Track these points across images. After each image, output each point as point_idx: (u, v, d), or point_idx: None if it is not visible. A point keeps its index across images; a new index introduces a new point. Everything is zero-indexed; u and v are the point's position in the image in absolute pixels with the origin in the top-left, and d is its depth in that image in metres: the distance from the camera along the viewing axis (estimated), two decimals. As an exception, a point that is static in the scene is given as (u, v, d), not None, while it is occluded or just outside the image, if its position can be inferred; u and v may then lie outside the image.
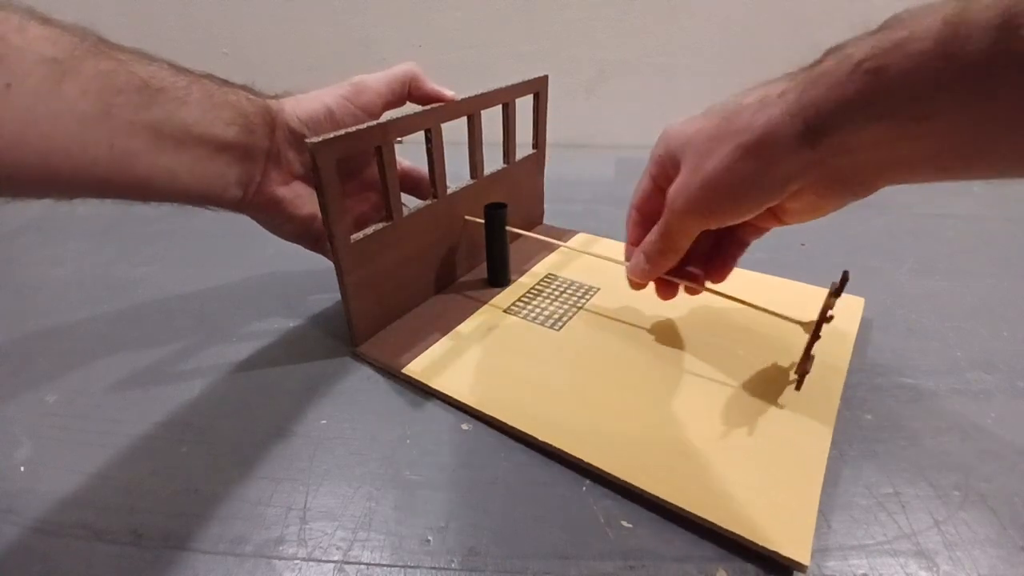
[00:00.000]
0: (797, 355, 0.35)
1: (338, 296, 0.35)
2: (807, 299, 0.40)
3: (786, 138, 0.23)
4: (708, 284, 0.34)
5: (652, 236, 0.30)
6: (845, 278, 0.30)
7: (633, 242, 0.33)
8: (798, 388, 0.31)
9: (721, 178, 0.26)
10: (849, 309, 0.39)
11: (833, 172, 0.24)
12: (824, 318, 0.30)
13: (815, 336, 0.30)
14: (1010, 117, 0.19)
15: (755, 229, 0.32)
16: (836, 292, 0.30)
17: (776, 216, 0.29)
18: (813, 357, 0.31)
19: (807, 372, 0.31)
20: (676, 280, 0.33)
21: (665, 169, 0.29)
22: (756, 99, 0.25)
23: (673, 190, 0.28)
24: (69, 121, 0.25)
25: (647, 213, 0.32)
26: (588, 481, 0.28)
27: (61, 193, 0.27)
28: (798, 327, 0.37)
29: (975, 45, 0.18)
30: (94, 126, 0.26)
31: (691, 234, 0.29)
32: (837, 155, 0.23)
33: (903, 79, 0.20)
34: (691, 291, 0.34)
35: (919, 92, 0.20)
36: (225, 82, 0.32)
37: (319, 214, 0.32)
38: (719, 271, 0.33)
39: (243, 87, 0.33)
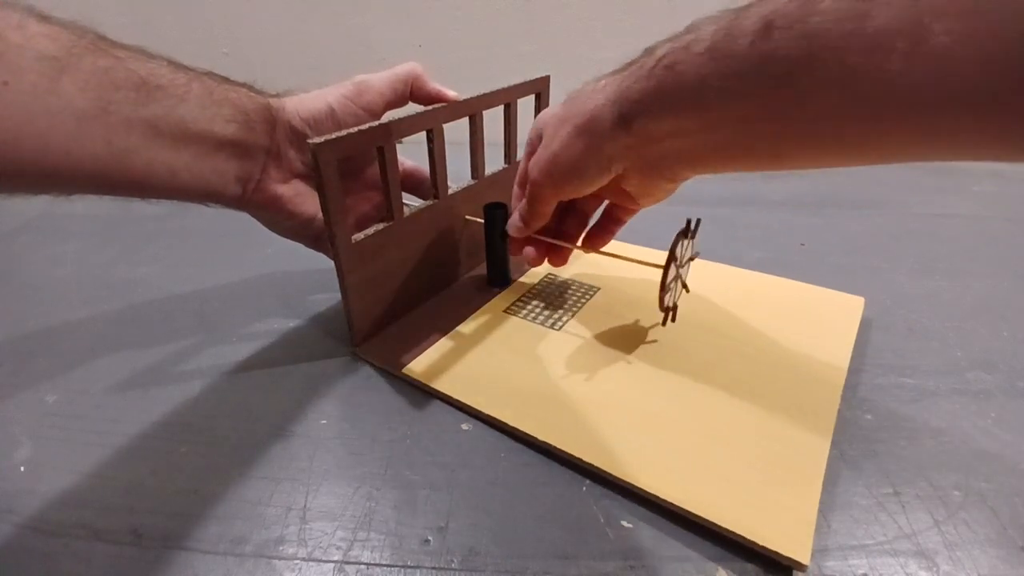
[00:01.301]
0: (799, 356, 0.35)
1: (338, 296, 0.35)
2: (807, 299, 0.40)
3: (606, 122, 0.26)
4: (581, 245, 0.37)
5: (523, 202, 0.34)
6: (690, 225, 0.34)
7: (514, 210, 0.36)
8: (663, 324, 0.37)
9: (561, 154, 0.29)
10: (849, 309, 0.39)
11: (645, 157, 0.27)
12: (672, 257, 0.34)
13: (665, 272, 0.34)
14: (761, 118, 0.21)
15: (622, 209, 0.35)
16: (686, 233, 0.34)
17: (626, 195, 0.32)
18: (670, 290, 0.35)
19: (669, 308, 0.36)
20: (549, 241, 0.36)
21: (535, 147, 0.33)
22: (591, 88, 0.28)
23: (531, 163, 0.31)
24: (66, 118, 0.25)
25: (524, 187, 0.34)
26: (588, 481, 0.28)
27: (59, 190, 0.27)
28: (801, 329, 0.37)
29: (737, 48, 0.21)
30: (91, 123, 0.26)
31: (548, 200, 0.32)
32: (647, 143, 0.26)
33: (686, 76, 0.23)
34: (561, 253, 0.37)
35: (698, 88, 0.22)
36: (225, 79, 0.32)
37: (319, 212, 0.32)
38: (596, 240, 0.37)
39: (244, 85, 0.33)
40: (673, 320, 0.37)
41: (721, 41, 0.21)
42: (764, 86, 0.20)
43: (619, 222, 0.36)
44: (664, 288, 0.34)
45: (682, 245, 0.34)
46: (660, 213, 0.35)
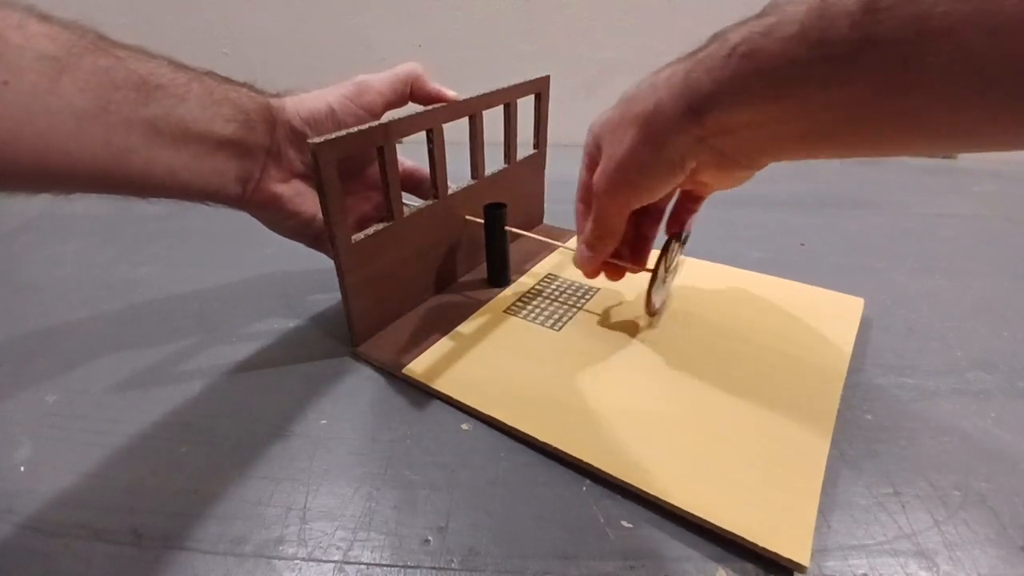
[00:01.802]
0: (799, 356, 0.35)
1: (338, 296, 0.35)
2: (807, 299, 0.40)
3: (673, 119, 0.25)
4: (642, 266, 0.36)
5: (588, 224, 0.32)
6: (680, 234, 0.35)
7: (581, 232, 0.35)
8: (650, 324, 0.37)
9: (629, 160, 0.27)
10: (849, 309, 0.39)
11: (720, 149, 0.26)
12: (665, 261, 0.35)
13: (653, 276, 0.35)
14: (865, 102, 0.20)
15: (695, 195, 0.35)
16: (677, 238, 0.35)
17: (700, 183, 0.31)
18: (658, 293, 0.36)
19: (655, 313, 0.37)
20: (622, 265, 0.35)
21: (595, 159, 0.31)
22: (649, 84, 0.27)
23: (596, 177, 0.30)
24: (66, 117, 0.25)
25: (590, 203, 0.33)
26: (588, 481, 0.28)
27: (59, 189, 0.27)
28: (801, 330, 0.37)
29: (836, 31, 0.19)
30: (91, 122, 0.26)
31: (620, 215, 0.31)
32: (720, 134, 0.25)
33: (771, 63, 0.21)
34: (634, 271, 0.36)
35: (785, 76, 0.21)
36: (226, 79, 0.32)
37: (319, 212, 0.32)
38: (672, 225, 0.36)
39: (244, 85, 0.33)
40: (652, 316, 0.38)
41: (814, 23, 0.20)
42: (871, 71, 0.19)
43: (696, 203, 0.35)
44: (651, 293, 0.35)
45: (673, 249, 0.35)
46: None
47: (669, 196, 0.34)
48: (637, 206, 0.30)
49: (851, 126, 0.22)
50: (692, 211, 0.36)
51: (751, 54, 0.22)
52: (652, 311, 0.37)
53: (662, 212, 0.35)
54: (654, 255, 0.35)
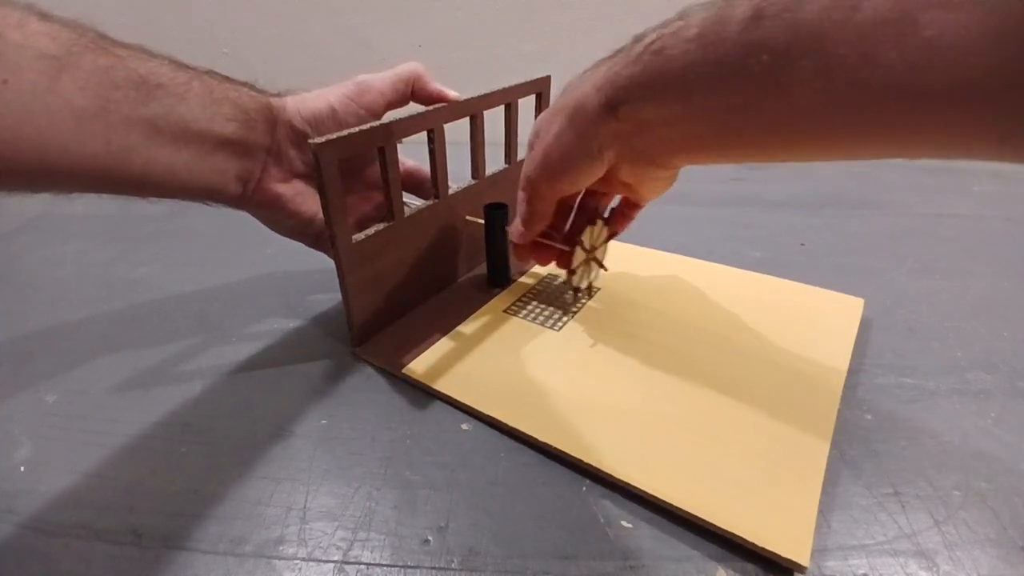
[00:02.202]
0: (799, 356, 0.35)
1: (338, 296, 0.35)
2: (807, 299, 0.40)
3: (594, 110, 0.26)
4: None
5: (520, 207, 0.33)
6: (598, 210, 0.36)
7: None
8: (573, 301, 0.40)
9: (552, 146, 0.29)
10: (849, 309, 0.39)
11: (634, 145, 0.27)
12: (578, 242, 0.36)
13: (571, 256, 0.36)
14: (754, 107, 0.21)
15: (627, 203, 0.36)
16: (592, 220, 0.36)
17: (627, 187, 0.32)
18: (575, 272, 0.37)
19: (578, 289, 0.39)
20: (550, 244, 0.36)
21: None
22: (580, 78, 0.28)
23: (526, 162, 0.31)
24: (66, 116, 0.25)
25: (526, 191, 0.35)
26: (588, 481, 0.28)
27: (58, 188, 0.27)
28: (801, 330, 0.37)
29: (727, 34, 0.21)
30: (91, 121, 0.26)
31: (545, 198, 0.32)
32: (634, 130, 0.26)
33: (673, 63, 0.23)
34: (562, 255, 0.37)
35: (683, 75, 0.22)
36: (227, 79, 0.32)
37: (319, 212, 0.32)
38: (618, 223, 0.37)
39: (245, 84, 0.33)
40: (588, 297, 0.41)
41: (710, 28, 0.21)
42: (751, 75, 0.20)
43: (625, 216, 0.37)
44: (571, 271, 0.36)
45: (589, 232, 0.36)
46: (660, 212, 0.35)
47: (603, 197, 0.36)
48: (562, 193, 0.31)
49: (736, 130, 0.23)
50: (629, 217, 0.37)
51: (659, 52, 0.23)
52: (572, 284, 0.38)
53: (596, 214, 0.36)
54: (660, 256, 0.35)
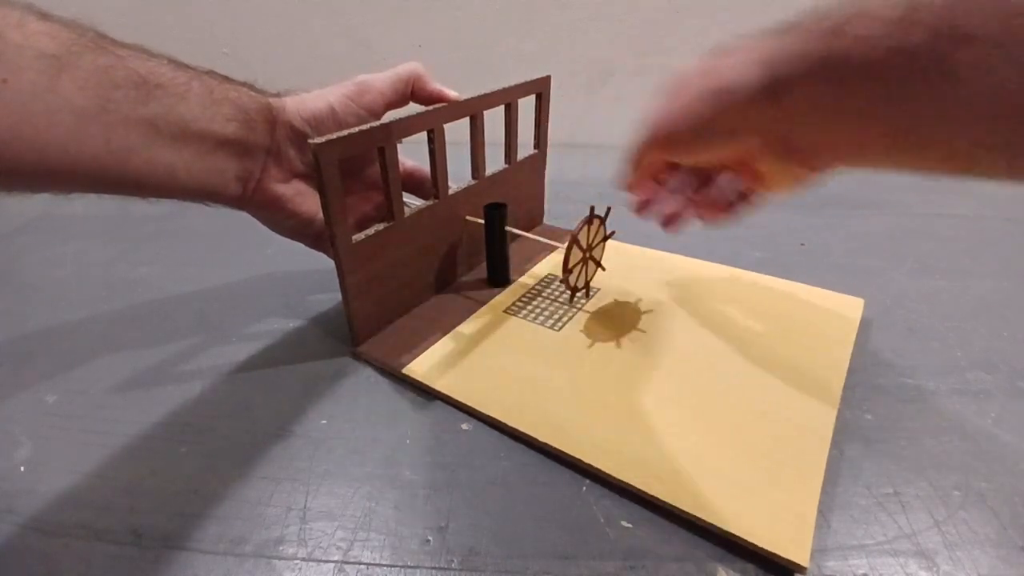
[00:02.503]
0: (799, 356, 0.35)
1: (338, 296, 0.35)
2: (807, 299, 0.40)
3: (749, 88, 0.23)
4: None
5: (631, 151, 0.30)
6: (593, 211, 0.37)
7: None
8: (570, 300, 0.39)
9: (684, 108, 0.25)
10: (849, 309, 0.39)
11: (788, 137, 0.24)
12: (575, 242, 0.36)
13: (567, 255, 0.36)
14: (964, 102, 0.18)
15: (748, 189, 0.31)
16: (590, 220, 0.36)
17: (755, 176, 0.28)
18: (571, 271, 0.37)
19: (574, 288, 0.39)
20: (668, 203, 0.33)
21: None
22: (736, 44, 0.25)
23: (654, 112, 0.28)
24: (65, 116, 0.25)
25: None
26: (588, 481, 0.28)
27: (58, 188, 0.27)
28: (801, 330, 0.37)
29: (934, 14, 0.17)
30: (90, 121, 0.26)
31: (649, 155, 0.29)
32: (794, 118, 0.22)
33: (867, 43, 0.19)
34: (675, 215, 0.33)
35: (883, 58, 0.19)
36: (226, 79, 0.32)
37: (319, 212, 0.32)
38: (714, 211, 0.33)
39: (245, 84, 0.33)
40: (586, 296, 0.41)
41: (916, 5, 0.18)
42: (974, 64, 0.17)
43: (744, 201, 0.32)
44: (567, 269, 0.36)
45: (586, 231, 0.36)
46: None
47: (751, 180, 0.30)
48: (673, 158, 0.29)
49: (944, 133, 0.19)
50: (728, 210, 0.32)
51: (847, 30, 0.20)
52: (570, 284, 0.38)
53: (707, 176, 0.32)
54: (673, 258, 0.36)
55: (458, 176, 0.41)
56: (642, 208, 0.33)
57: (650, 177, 0.31)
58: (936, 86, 0.18)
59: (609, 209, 0.38)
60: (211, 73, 0.32)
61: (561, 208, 0.53)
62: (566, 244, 0.36)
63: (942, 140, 0.19)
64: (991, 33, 0.17)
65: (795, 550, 0.23)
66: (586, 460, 0.28)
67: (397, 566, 0.24)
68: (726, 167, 0.30)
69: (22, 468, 0.29)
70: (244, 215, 0.36)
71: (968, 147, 0.19)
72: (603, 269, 0.41)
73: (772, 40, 0.23)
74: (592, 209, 0.37)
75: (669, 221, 0.33)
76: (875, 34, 0.19)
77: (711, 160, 0.28)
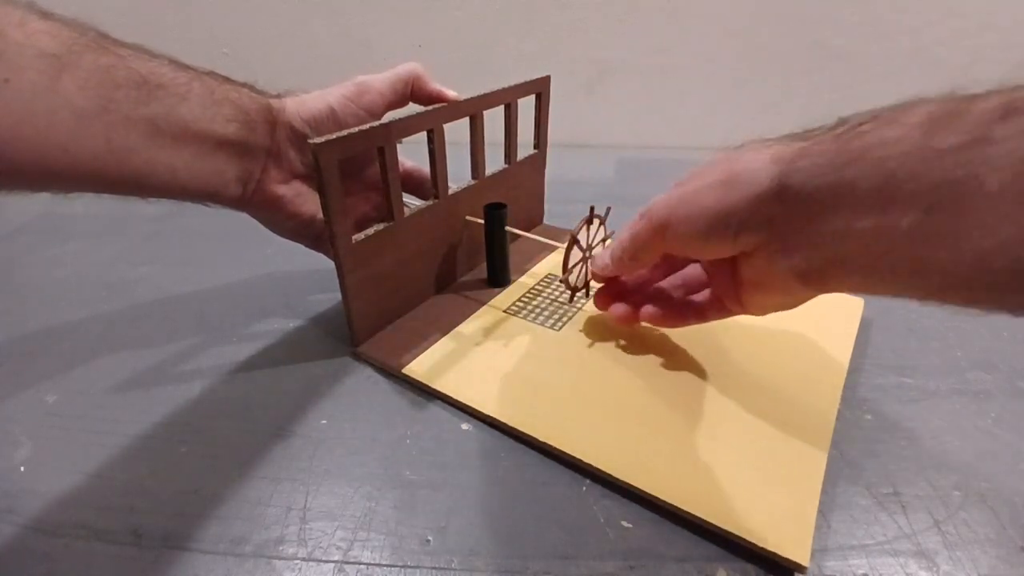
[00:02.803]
0: (799, 356, 0.35)
1: (338, 296, 0.35)
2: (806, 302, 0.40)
3: (757, 181, 0.23)
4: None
5: (622, 236, 0.31)
6: (593, 211, 0.37)
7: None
8: (570, 301, 0.39)
9: (692, 199, 0.26)
10: (849, 309, 0.39)
11: (789, 242, 0.23)
12: (575, 242, 0.36)
13: (567, 254, 0.36)
14: (975, 222, 0.18)
15: (719, 304, 0.31)
16: (590, 220, 0.36)
17: (733, 289, 0.28)
18: (571, 272, 0.37)
19: (574, 288, 0.38)
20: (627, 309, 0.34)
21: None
22: (751, 148, 0.25)
23: (654, 200, 0.28)
24: (66, 116, 0.25)
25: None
26: (588, 481, 0.28)
27: (58, 187, 0.27)
28: (802, 330, 0.37)
29: (965, 125, 0.17)
30: (91, 121, 0.26)
31: (652, 248, 0.29)
32: (799, 221, 0.22)
33: (883, 147, 0.19)
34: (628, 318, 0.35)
35: (897, 164, 0.19)
36: (227, 79, 0.32)
37: (319, 213, 0.32)
38: (672, 319, 0.33)
39: (245, 85, 0.33)
40: (586, 296, 0.40)
41: (942, 115, 0.18)
42: (982, 182, 0.17)
43: (703, 317, 0.32)
44: (567, 269, 0.36)
45: (586, 231, 0.36)
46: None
47: (717, 277, 0.30)
48: (674, 252, 0.29)
49: (953, 254, 0.19)
50: (685, 319, 0.33)
51: (866, 132, 0.20)
52: (569, 284, 0.38)
53: (693, 289, 0.33)
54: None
55: (458, 176, 0.41)
56: (622, 320, 0.35)
57: (636, 271, 0.32)
58: (941, 228, 0.18)
59: (609, 209, 0.38)
60: (212, 74, 0.32)
61: (561, 208, 0.53)
62: (566, 244, 0.36)
63: (952, 273, 0.19)
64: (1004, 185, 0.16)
65: (795, 549, 0.23)
66: (586, 460, 0.28)
67: (397, 566, 0.24)
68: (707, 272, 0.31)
69: (22, 468, 0.29)
70: (244, 215, 0.36)
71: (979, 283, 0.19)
72: None
73: (788, 140, 0.23)
74: (592, 209, 0.37)
75: (622, 320, 0.35)
76: (895, 136, 0.19)
77: (702, 256, 0.28)
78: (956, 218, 0.18)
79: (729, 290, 0.29)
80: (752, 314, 0.29)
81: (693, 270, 0.34)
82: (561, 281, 0.37)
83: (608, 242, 0.40)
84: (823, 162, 0.21)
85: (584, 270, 0.39)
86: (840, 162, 0.20)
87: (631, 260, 0.31)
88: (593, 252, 0.39)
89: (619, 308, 0.34)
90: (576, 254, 0.37)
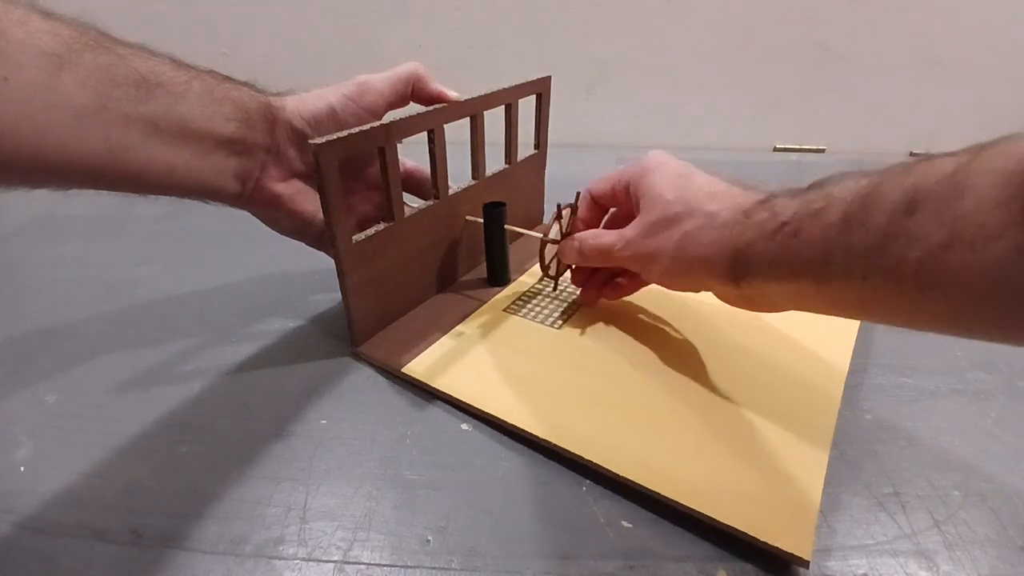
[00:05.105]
0: (800, 355, 0.35)
1: (338, 296, 0.35)
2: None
3: (717, 269, 0.28)
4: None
5: (595, 242, 0.35)
6: (560, 208, 0.38)
7: (582, 217, 0.38)
8: (554, 289, 0.42)
9: (656, 259, 0.31)
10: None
11: (747, 299, 0.28)
12: (550, 240, 0.38)
13: (543, 248, 0.38)
14: (894, 293, 0.21)
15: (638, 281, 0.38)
16: (559, 215, 0.37)
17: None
18: (549, 265, 0.39)
19: (551, 276, 0.40)
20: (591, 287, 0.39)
21: (625, 188, 0.34)
22: (713, 212, 0.28)
23: (627, 238, 0.32)
24: (65, 113, 0.25)
25: (599, 202, 0.37)
26: (588, 481, 0.28)
27: (57, 184, 0.27)
28: (802, 329, 0.37)
29: (875, 222, 0.20)
30: (90, 119, 0.26)
31: (618, 264, 0.34)
32: (753, 295, 0.27)
33: (812, 248, 0.23)
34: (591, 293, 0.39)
35: (824, 260, 0.22)
36: (227, 78, 0.32)
37: (319, 211, 0.32)
38: (615, 293, 0.39)
39: (246, 84, 0.33)
40: (549, 278, 0.42)
41: (856, 214, 0.21)
42: (897, 264, 0.20)
43: (639, 285, 0.38)
44: (545, 266, 0.39)
45: (558, 224, 0.38)
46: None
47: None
48: (636, 272, 0.34)
49: (871, 308, 0.23)
50: (627, 291, 0.38)
51: (796, 233, 0.23)
52: (549, 274, 0.40)
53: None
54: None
55: (458, 176, 0.41)
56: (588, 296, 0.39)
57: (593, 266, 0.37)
58: (887, 281, 0.21)
59: (578, 194, 0.39)
60: (212, 73, 0.32)
61: (561, 208, 0.53)
62: (539, 247, 0.38)
63: (887, 315, 0.23)
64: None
65: (798, 545, 0.23)
66: (587, 457, 0.28)
67: (397, 566, 0.24)
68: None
69: (22, 468, 0.29)
70: (244, 215, 0.36)
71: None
72: None
73: (737, 224, 0.26)
74: (559, 206, 0.37)
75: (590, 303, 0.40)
76: (819, 237, 0.22)
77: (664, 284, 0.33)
78: (889, 286, 0.21)
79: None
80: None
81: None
82: (543, 276, 0.40)
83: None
84: (766, 260, 0.25)
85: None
86: (778, 262, 0.24)
87: (597, 263, 0.36)
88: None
89: (589, 293, 0.39)
90: (551, 249, 0.39)
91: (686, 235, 0.29)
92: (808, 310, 0.26)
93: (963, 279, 0.18)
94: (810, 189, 0.24)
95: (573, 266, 0.39)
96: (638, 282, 0.38)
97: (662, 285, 0.32)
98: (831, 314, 0.26)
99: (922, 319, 0.21)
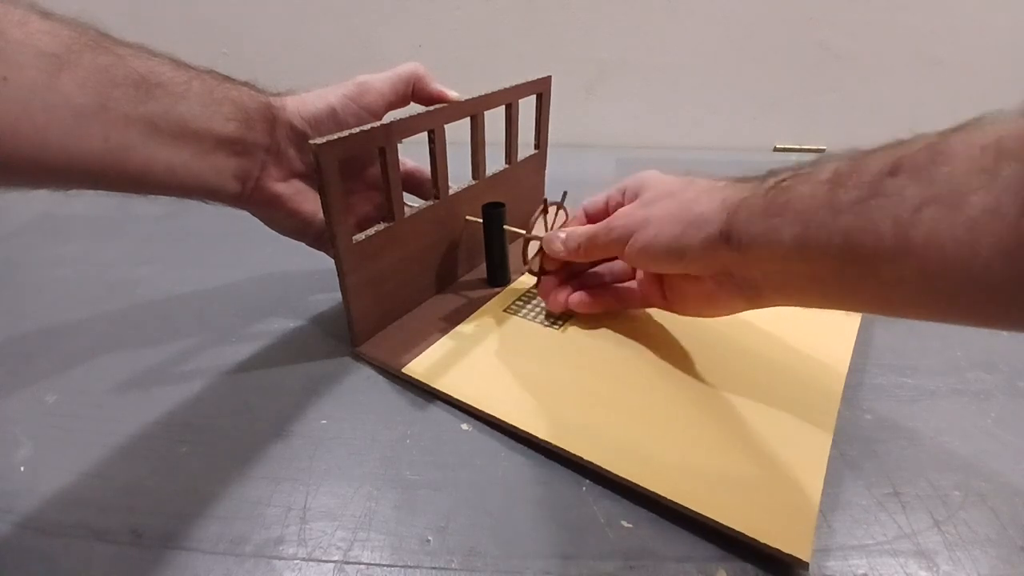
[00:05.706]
0: (800, 355, 0.35)
1: (338, 296, 0.35)
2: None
3: (711, 225, 0.27)
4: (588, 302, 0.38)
5: (583, 231, 0.34)
6: (546, 204, 0.39)
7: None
8: (537, 285, 0.40)
9: (654, 224, 0.30)
10: (849, 309, 0.39)
11: (735, 273, 0.28)
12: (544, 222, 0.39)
13: (526, 243, 0.39)
14: (872, 258, 0.21)
15: (643, 300, 0.37)
16: (544, 211, 0.38)
17: (666, 298, 0.34)
18: (532, 261, 0.40)
19: (534, 272, 0.40)
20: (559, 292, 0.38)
21: (621, 194, 0.34)
22: (707, 183, 0.30)
23: (620, 213, 0.32)
24: (64, 114, 0.25)
25: (593, 220, 0.36)
26: (588, 481, 0.28)
27: (56, 184, 0.27)
28: (802, 329, 0.37)
29: (860, 180, 0.22)
30: (89, 119, 0.26)
31: (606, 252, 0.34)
32: (742, 261, 0.27)
33: (799, 200, 0.24)
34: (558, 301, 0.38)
35: (807, 212, 0.23)
36: (227, 78, 0.32)
37: (319, 211, 0.32)
38: (600, 303, 0.38)
39: (245, 84, 0.33)
40: (533, 274, 0.41)
41: (844, 172, 0.22)
42: (875, 227, 0.21)
43: (624, 302, 0.38)
44: (527, 261, 0.40)
45: (543, 220, 0.38)
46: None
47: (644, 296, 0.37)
48: (628, 263, 0.34)
49: (862, 285, 0.23)
50: (610, 302, 0.38)
51: (787, 188, 0.24)
52: (533, 272, 0.40)
53: (619, 279, 0.39)
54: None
55: (458, 176, 0.41)
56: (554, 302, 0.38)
57: (580, 260, 0.36)
58: (865, 246, 0.21)
59: (565, 193, 0.39)
60: (212, 73, 0.32)
61: (561, 208, 0.53)
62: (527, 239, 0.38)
63: (872, 292, 0.23)
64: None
65: (797, 546, 0.23)
66: (587, 458, 0.28)
67: (397, 566, 0.24)
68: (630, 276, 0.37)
69: (22, 468, 0.29)
70: (244, 215, 0.36)
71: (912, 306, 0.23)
72: None
73: (736, 187, 0.28)
74: (545, 201, 0.37)
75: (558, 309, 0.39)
76: (808, 191, 0.23)
77: (654, 271, 0.33)
78: (866, 267, 0.22)
79: (655, 294, 0.35)
80: (676, 312, 0.35)
81: (621, 264, 0.38)
82: (526, 271, 0.40)
83: (560, 223, 0.42)
84: (757, 212, 0.25)
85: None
86: (768, 214, 0.25)
87: (584, 254, 0.35)
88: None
89: (558, 299, 0.38)
90: (535, 245, 0.39)
91: (685, 199, 0.29)
92: (792, 297, 0.27)
93: (936, 240, 0.19)
94: (814, 161, 0.25)
95: (548, 268, 0.39)
96: (610, 293, 0.38)
97: (643, 264, 0.32)
98: (812, 298, 0.26)
99: (894, 298, 0.22)
